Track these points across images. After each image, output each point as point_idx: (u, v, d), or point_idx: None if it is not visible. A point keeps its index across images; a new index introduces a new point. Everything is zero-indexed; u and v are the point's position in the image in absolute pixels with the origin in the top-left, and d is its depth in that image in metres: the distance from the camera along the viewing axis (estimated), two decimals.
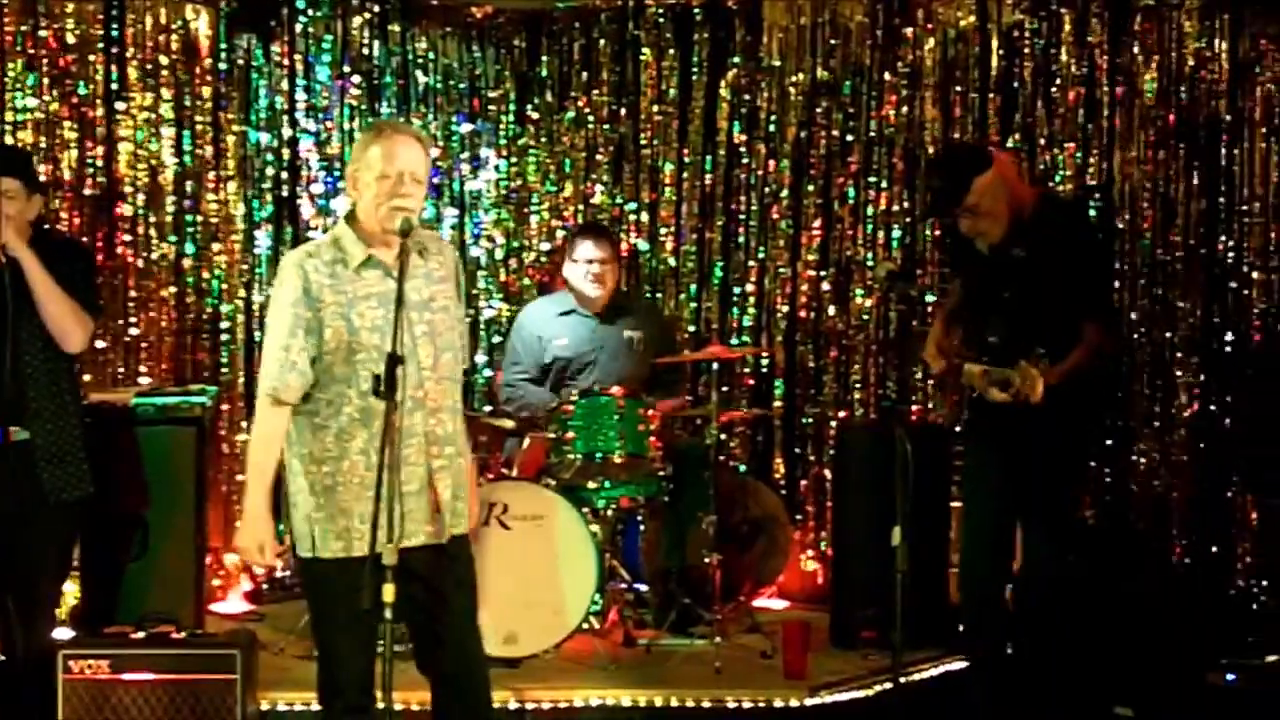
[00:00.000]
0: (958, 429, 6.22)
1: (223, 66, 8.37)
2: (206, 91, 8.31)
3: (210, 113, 8.33)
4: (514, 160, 9.06)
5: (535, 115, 9.04)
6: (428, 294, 4.95)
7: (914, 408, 8.43)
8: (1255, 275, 7.87)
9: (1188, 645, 6.31)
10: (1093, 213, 8.11)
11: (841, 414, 8.66)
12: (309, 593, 5.19)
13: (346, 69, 8.67)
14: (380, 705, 4.57)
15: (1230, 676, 3.84)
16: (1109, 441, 8.02)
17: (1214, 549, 7.81)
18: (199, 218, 8.30)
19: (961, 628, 6.28)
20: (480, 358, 8.85)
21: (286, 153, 8.57)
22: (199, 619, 6.90)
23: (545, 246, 9.03)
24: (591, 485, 7.25)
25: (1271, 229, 7.85)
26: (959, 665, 6.72)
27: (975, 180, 5.74)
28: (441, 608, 5.01)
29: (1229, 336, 7.93)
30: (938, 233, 8.30)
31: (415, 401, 4.84)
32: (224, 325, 8.39)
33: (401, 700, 5.77)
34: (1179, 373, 8.02)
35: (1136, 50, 8.10)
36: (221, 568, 8.17)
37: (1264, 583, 7.39)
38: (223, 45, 8.36)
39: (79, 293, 5.61)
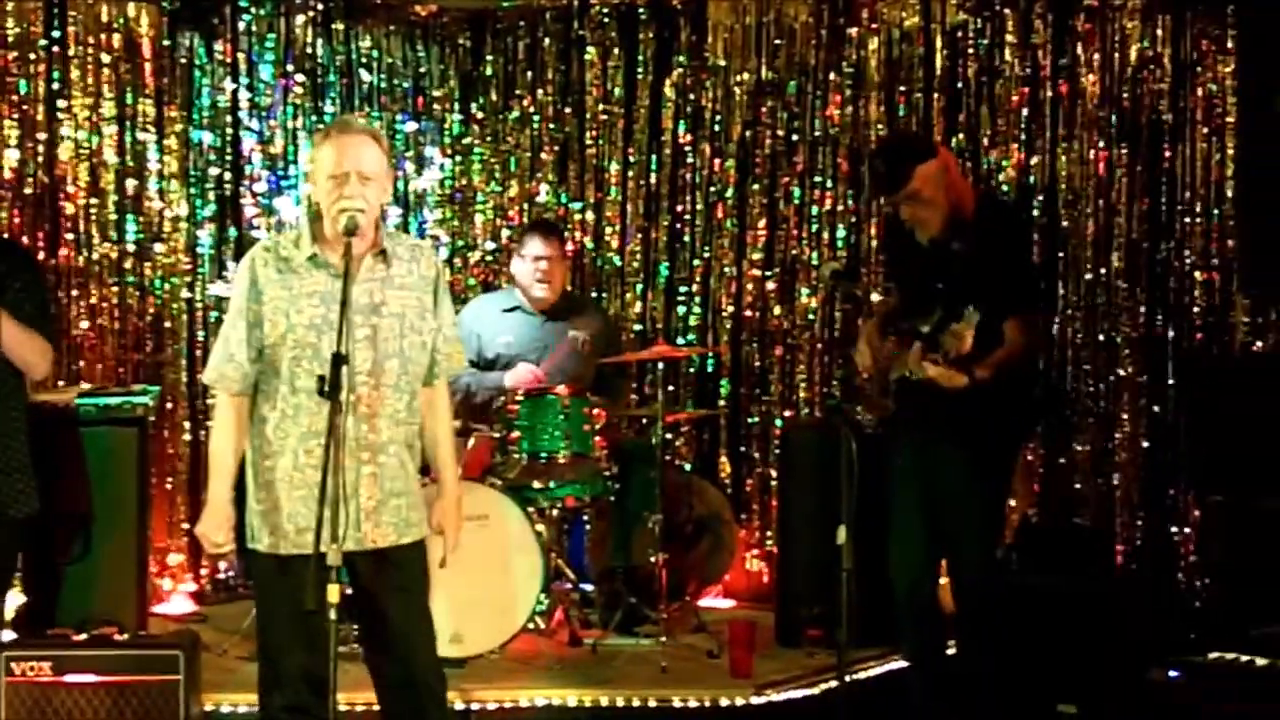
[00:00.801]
0: (880, 430, 6.23)
1: (165, 65, 8.32)
2: (149, 90, 8.26)
3: (153, 111, 8.27)
4: (459, 159, 9.03)
5: (480, 114, 9.02)
6: (379, 299, 4.90)
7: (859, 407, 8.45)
8: (1197, 274, 7.92)
9: (1131, 642, 6.34)
10: (1036, 213, 8.16)
11: (787, 413, 8.68)
12: (254, 586, 5.18)
13: (290, 67, 8.62)
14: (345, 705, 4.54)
15: (1173, 673, 3.86)
16: (1044, 442, 8.08)
17: (1157, 546, 7.87)
18: (141, 217, 8.25)
19: (899, 630, 6.29)
20: None
21: (229, 152, 8.52)
22: (142, 620, 6.86)
23: (490, 246, 9.00)
24: (537, 485, 7.24)
25: (1213, 228, 7.89)
26: (904, 663, 6.74)
27: (918, 167, 5.76)
28: (380, 614, 4.97)
29: (1171, 335, 7.98)
30: (880, 232, 8.35)
31: (348, 404, 4.80)
32: (166, 325, 8.33)
33: (347, 701, 5.76)
34: (1122, 371, 8.06)
35: (1079, 51, 8.15)
36: (165, 568, 8.12)
37: (1206, 580, 7.44)
38: (165, 43, 8.31)
39: (35, 321, 5.56)
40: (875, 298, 8.19)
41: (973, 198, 6.01)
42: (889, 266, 6.20)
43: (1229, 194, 7.74)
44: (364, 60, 8.84)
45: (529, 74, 8.96)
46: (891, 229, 6.21)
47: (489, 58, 9.00)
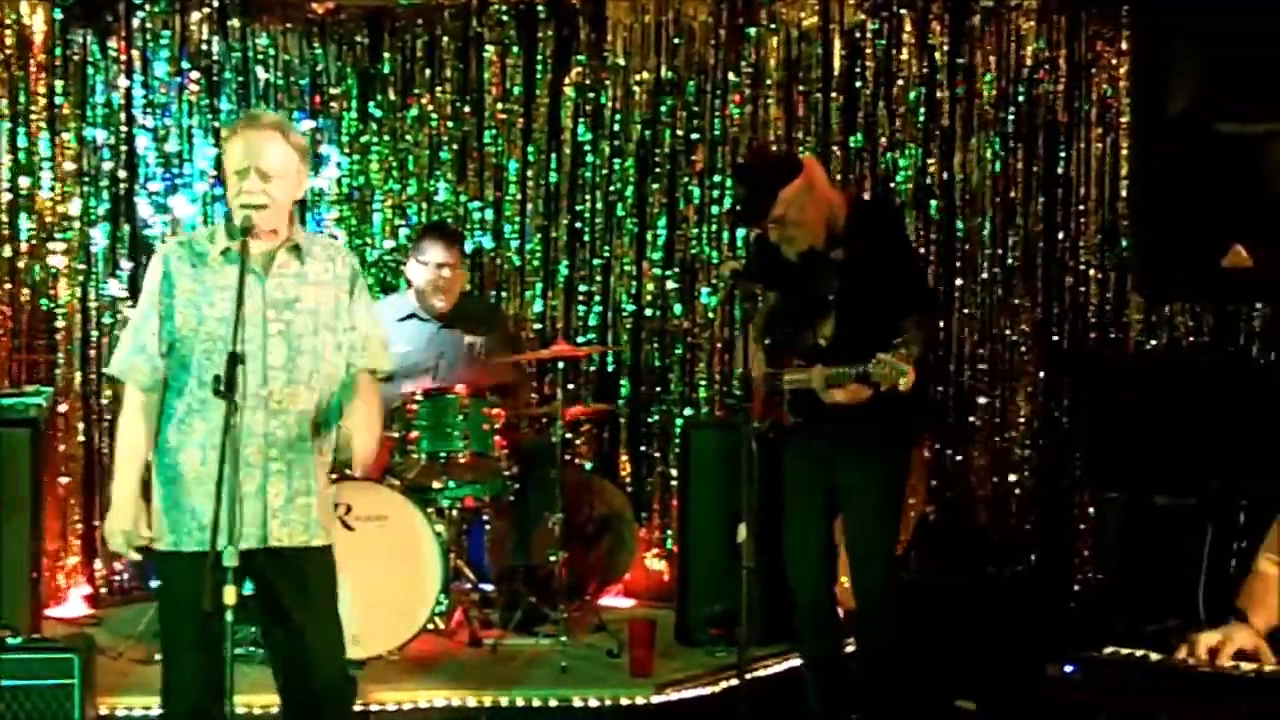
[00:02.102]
0: (770, 436, 6.25)
1: (58, 62, 8.20)
2: (41, 88, 8.14)
3: (45, 109, 8.16)
4: (356, 158, 8.97)
5: (378, 112, 8.96)
6: (293, 294, 4.86)
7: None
8: (1092, 272, 7.99)
9: (1029, 638, 6.39)
10: (933, 212, 8.21)
11: (687, 412, 8.68)
12: (156, 587, 5.14)
13: (185, 65, 8.53)
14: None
15: (1069, 668, 3.87)
16: (941, 442, 8.13)
17: (1054, 543, 7.93)
18: (34, 216, 8.14)
19: (798, 632, 6.30)
20: None
21: (124, 150, 8.42)
22: (35, 623, 6.76)
23: (388, 245, 8.95)
24: (436, 485, 7.21)
25: (1107, 227, 7.96)
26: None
27: (781, 191, 5.75)
28: (283, 617, 4.91)
29: (1067, 333, 8.04)
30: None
31: (258, 400, 4.75)
32: (59, 325, 8.22)
33: (244, 704, 5.72)
34: (1018, 369, 8.13)
35: (976, 51, 8.21)
36: (59, 571, 8.02)
37: (1101, 575, 7.50)
38: (58, 40, 8.19)
39: None
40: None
41: (845, 204, 6.00)
42: (762, 272, 6.19)
43: (1123, 193, 7.80)
44: (260, 58, 8.76)
45: (427, 72, 8.92)
46: (765, 243, 6.18)
47: (387, 56, 8.95)
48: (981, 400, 8.19)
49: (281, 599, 4.87)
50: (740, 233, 8.58)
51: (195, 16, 8.54)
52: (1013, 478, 8.13)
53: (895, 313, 5.65)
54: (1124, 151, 7.80)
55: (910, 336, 5.47)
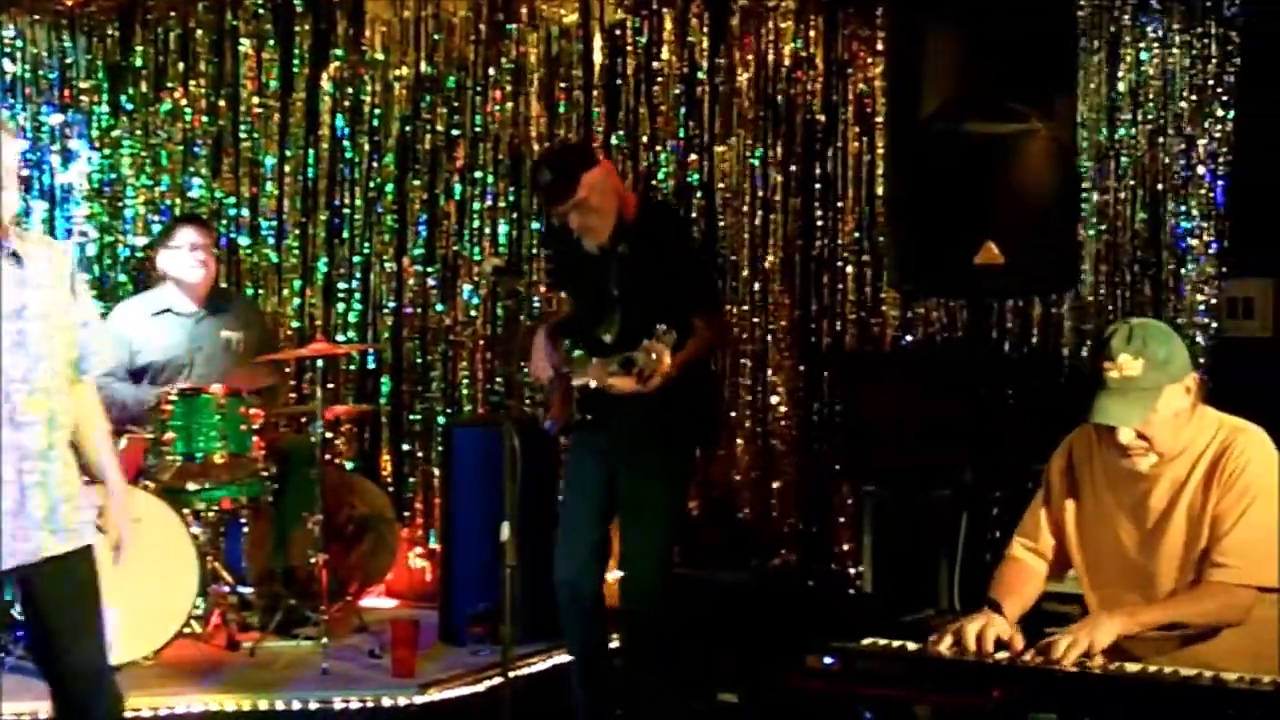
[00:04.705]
0: (563, 439, 6.27)
1: None
2: None
3: None
4: (107, 152, 8.77)
5: (129, 106, 8.77)
6: (19, 302, 4.68)
7: (526, 403, 8.46)
8: (849, 270, 8.11)
9: (790, 631, 6.46)
10: (694, 211, 8.26)
11: (449, 410, 8.64)
12: None
13: None
14: None
15: (828, 660, 3.92)
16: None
17: (816, 537, 8.04)
18: None
19: (563, 627, 6.31)
20: None
21: None
22: None
23: (140, 241, 8.75)
24: (192, 487, 7.09)
25: (864, 225, 8.08)
26: (569, 658, 6.75)
27: (584, 175, 5.79)
28: (49, 624, 4.77)
29: (826, 330, 8.15)
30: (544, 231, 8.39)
31: (4, 415, 4.60)
32: None
33: (12, 711, 5.61)
34: (777, 365, 8.22)
35: (735, 50, 8.28)
36: None
37: (860, 568, 7.62)
38: None
39: None
40: (536, 299, 8.24)
41: (633, 202, 6.06)
42: (556, 275, 6.22)
43: (880, 192, 7.93)
44: (7, 50, 8.51)
45: (180, 66, 8.74)
46: (553, 237, 6.21)
47: (139, 49, 8.75)
48: (743, 396, 8.27)
49: (49, 607, 4.73)
50: (502, 229, 8.57)
51: None
52: (774, 472, 8.22)
53: (680, 311, 5.68)
54: (880, 151, 7.92)
55: (663, 346, 5.48)
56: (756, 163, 8.26)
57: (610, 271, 5.89)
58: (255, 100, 8.73)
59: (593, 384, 5.76)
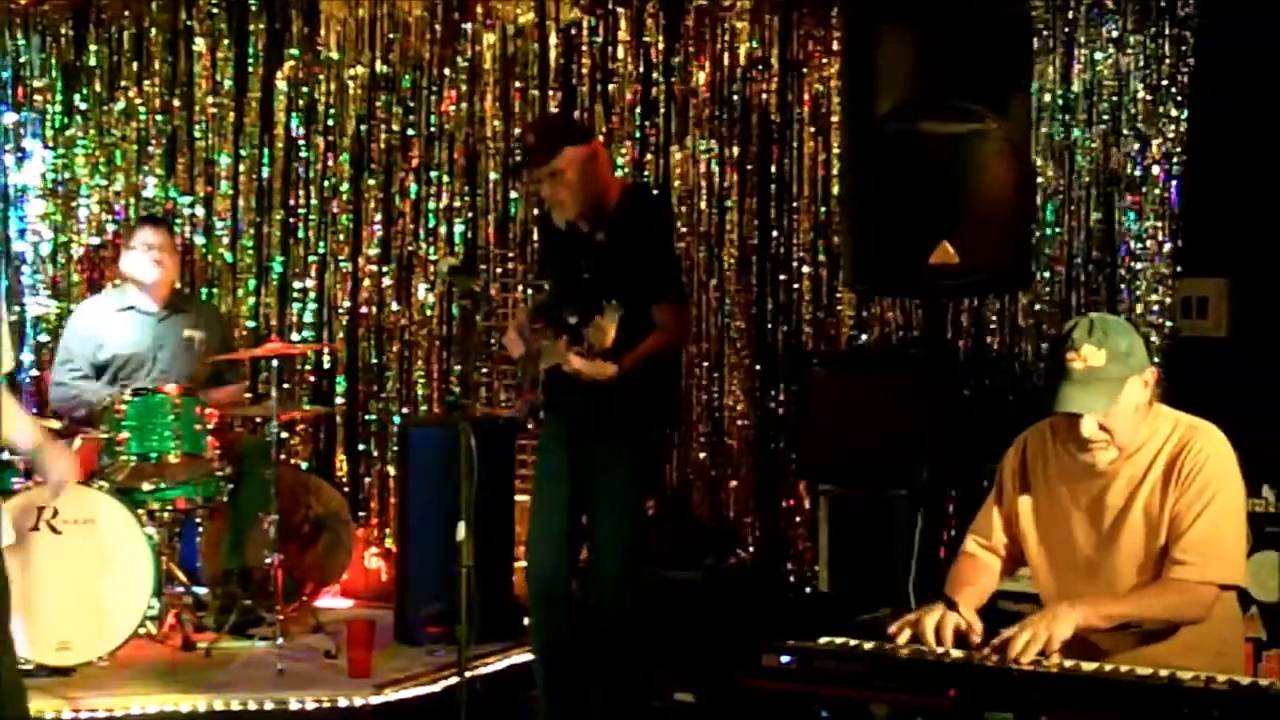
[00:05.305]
0: (529, 425, 6.26)
1: None
2: None
3: None
4: (61, 152, 8.72)
5: (84, 106, 8.72)
6: None
7: (483, 403, 8.46)
8: (805, 270, 8.12)
9: (747, 629, 6.47)
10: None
11: (405, 410, 8.63)
12: None
13: None
14: None
15: (785, 659, 3.92)
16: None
17: (773, 536, 8.06)
18: None
19: (528, 621, 6.30)
20: (27, 356, 8.48)
21: None
22: None
23: (95, 241, 8.71)
24: (147, 487, 7.05)
25: (820, 225, 8.09)
26: (525, 658, 6.75)
27: (566, 148, 5.79)
28: None
29: (782, 329, 8.17)
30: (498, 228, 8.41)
31: None
32: None
33: None
34: (733, 364, 8.23)
35: (690, 50, 8.29)
36: None
37: (816, 567, 7.63)
38: None
39: None
40: (492, 291, 8.23)
41: (619, 192, 6.05)
42: (541, 258, 6.25)
43: (835, 191, 7.94)
44: None
45: (135, 65, 8.71)
46: (544, 222, 6.22)
47: (93, 48, 8.70)
48: (700, 395, 8.27)
49: None
50: (458, 228, 8.56)
51: None
52: (730, 472, 8.23)
53: (644, 298, 5.68)
54: (836, 150, 7.93)
55: (609, 320, 5.47)
56: (713, 162, 8.27)
57: (584, 255, 5.89)
58: (210, 99, 8.69)
59: (555, 365, 5.77)
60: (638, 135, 8.34)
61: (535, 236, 8.20)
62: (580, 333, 5.57)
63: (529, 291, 8.27)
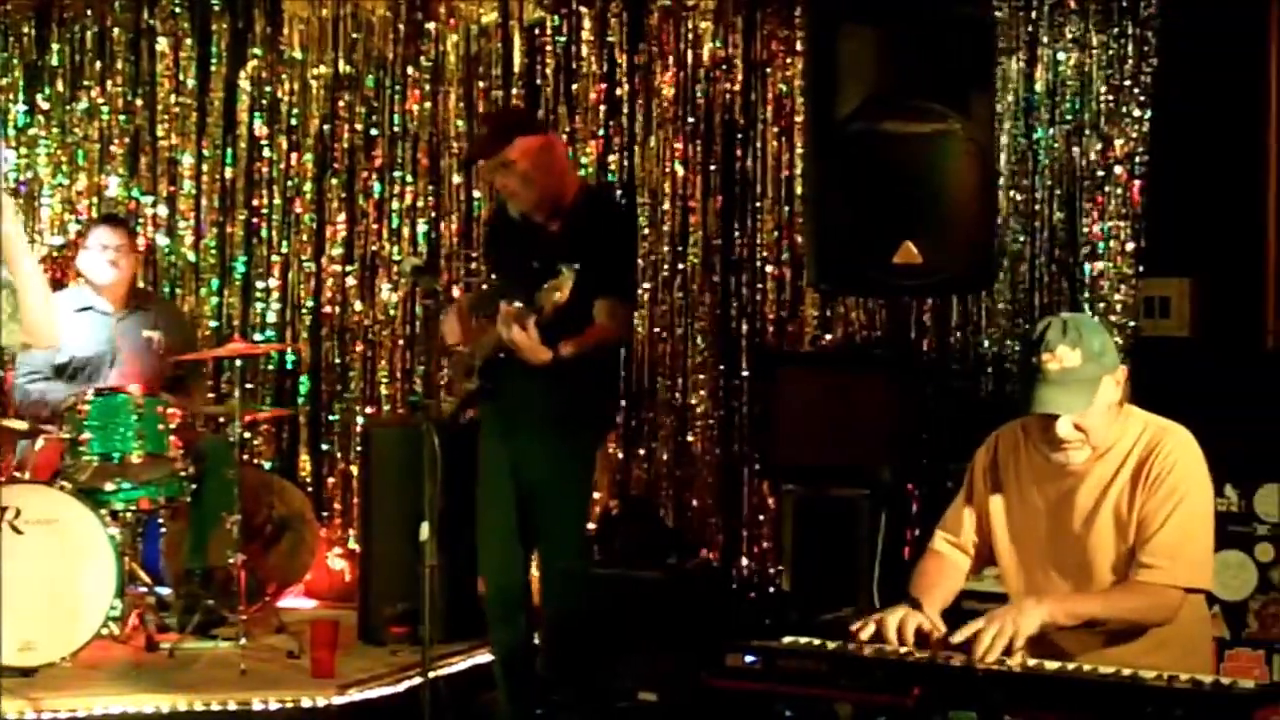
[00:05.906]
0: (461, 420, 6.27)
1: None
2: None
3: None
4: (24, 151, 8.68)
5: (46, 105, 8.69)
6: None
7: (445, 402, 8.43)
8: (769, 270, 8.12)
9: (711, 629, 6.47)
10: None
11: (369, 410, 8.61)
12: None
13: None
14: None
15: (750, 658, 3.93)
16: (624, 435, 8.20)
17: (736, 536, 8.07)
18: None
19: (489, 625, 6.30)
20: None
21: None
22: None
23: (57, 240, 8.68)
24: (110, 487, 7.04)
25: (783, 225, 8.10)
26: (489, 658, 6.75)
27: (519, 138, 5.79)
28: None
29: (745, 329, 8.17)
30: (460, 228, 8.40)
31: None
32: None
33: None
34: (697, 365, 8.23)
35: (654, 50, 8.28)
36: None
37: (779, 566, 7.64)
38: None
39: None
40: (456, 292, 8.21)
41: (576, 188, 6.05)
42: (487, 248, 6.24)
43: (798, 191, 7.94)
44: None
45: (97, 64, 8.68)
46: (499, 211, 6.22)
47: (55, 47, 8.68)
48: (663, 395, 8.28)
49: None
50: (421, 228, 8.55)
51: None
52: (693, 471, 8.23)
53: (590, 290, 5.68)
54: (799, 150, 7.93)
55: (563, 279, 5.46)
56: (677, 163, 8.27)
57: (535, 246, 5.89)
58: (173, 99, 8.68)
59: (493, 354, 5.76)
60: (601, 135, 8.32)
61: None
62: (531, 299, 5.55)
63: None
